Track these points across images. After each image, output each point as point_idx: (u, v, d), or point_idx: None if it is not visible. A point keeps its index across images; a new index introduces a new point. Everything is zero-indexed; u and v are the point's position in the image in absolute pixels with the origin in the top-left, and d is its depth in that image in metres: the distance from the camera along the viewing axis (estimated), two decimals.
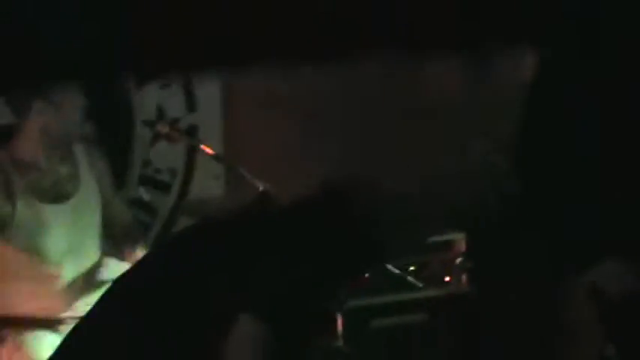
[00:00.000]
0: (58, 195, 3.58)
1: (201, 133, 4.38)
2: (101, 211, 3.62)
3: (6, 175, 3.53)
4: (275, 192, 3.51)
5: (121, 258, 3.63)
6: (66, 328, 3.27)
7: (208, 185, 4.39)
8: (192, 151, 4.27)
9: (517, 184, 3.05)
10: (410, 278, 3.97)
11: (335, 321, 3.65)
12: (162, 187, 4.38)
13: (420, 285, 4.01)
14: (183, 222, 4.36)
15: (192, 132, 4.37)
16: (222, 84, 4.50)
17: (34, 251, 3.52)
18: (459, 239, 4.26)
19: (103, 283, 3.43)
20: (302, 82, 4.49)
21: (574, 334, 3.09)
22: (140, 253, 3.61)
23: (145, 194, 4.36)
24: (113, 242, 3.68)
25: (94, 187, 3.62)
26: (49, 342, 3.37)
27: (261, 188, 3.52)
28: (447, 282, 4.25)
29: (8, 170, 3.55)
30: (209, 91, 4.49)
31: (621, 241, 2.85)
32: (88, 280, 3.52)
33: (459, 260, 4.25)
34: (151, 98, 4.38)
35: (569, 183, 2.91)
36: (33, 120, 3.52)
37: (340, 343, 3.87)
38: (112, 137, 4.11)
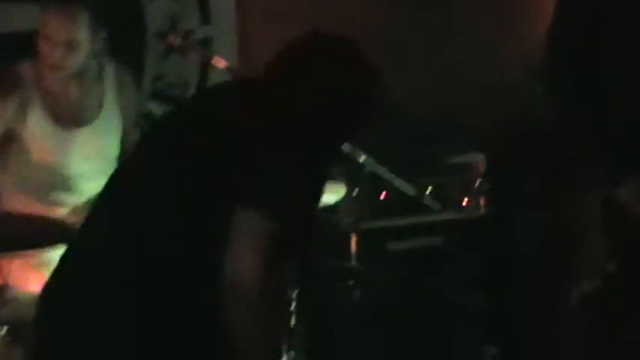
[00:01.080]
0: (76, 120, 3.53)
1: (215, 45, 4.31)
2: (121, 137, 3.58)
3: (24, 91, 3.49)
4: None
5: None
6: None
7: None
8: (206, 65, 4.19)
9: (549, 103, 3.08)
10: (427, 200, 3.91)
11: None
12: (175, 102, 4.32)
13: (438, 207, 3.97)
14: None
15: (205, 44, 4.29)
16: None
17: (49, 172, 3.50)
18: (478, 160, 4.29)
19: None
20: None
21: (583, 244, 3.30)
22: None
23: (156, 109, 4.30)
24: None
25: (117, 113, 3.58)
26: None
27: None
28: (465, 205, 4.27)
29: (28, 85, 3.50)
30: (223, 2, 4.42)
31: None
32: None
33: (477, 182, 4.27)
34: (163, 9, 4.30)
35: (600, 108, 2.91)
36: (45, 53, 3.45)
37: (355, 263, 3.91)
38: (123, 50, 4.02)
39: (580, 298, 3.20)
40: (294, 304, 3.50)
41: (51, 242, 3.18)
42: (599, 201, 2.97)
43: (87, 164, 3.46)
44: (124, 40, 4.07)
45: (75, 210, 3.47)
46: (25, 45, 3.57)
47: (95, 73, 3.56)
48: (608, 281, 3.00)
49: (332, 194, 3.81)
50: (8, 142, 3.51)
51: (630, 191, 2.87)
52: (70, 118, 3.55)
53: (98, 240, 2.38)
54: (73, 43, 3.42)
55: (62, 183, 3.50)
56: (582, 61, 2.93)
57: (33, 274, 3.40)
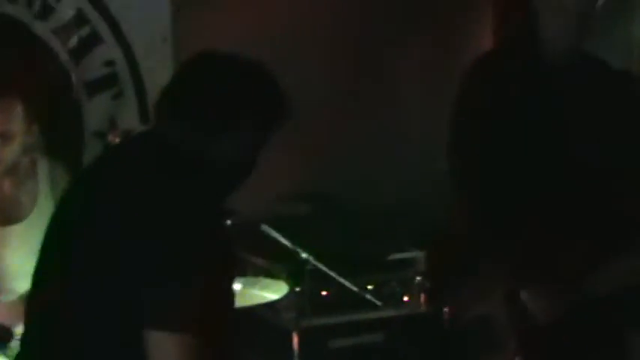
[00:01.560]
0: (8, 216, 3.48)
1: None
2: None
3: None
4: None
5: None
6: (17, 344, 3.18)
7: None
8: None
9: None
10: (368, 297, 3.95)
11: None
12: None
13: (379, 304, 4.00)
14: None
15: None
16: None
17: None
18: (419, 258, 4.30)
19: None
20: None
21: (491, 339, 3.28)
22: None
23: None
24: None
25: (51, 209, 3.52)
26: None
27: None
28: (406, 301, 4.25)
29: None
30: None
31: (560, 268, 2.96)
32: None
33: (417, 279, 4.26)
34: (102, 109, 4.30)
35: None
36: None
37: None
38: (62, 148, 4.01)
39: None
40: None
41: None
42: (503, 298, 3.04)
43: (19, 262, 3.37)
44: (63, 138, 4.08)
45: (7, 308, 3.38)
46: None
47: (28, 169, 3.52)
48: None
49: (273, 292, 3.85)
50: None
51: (532, 295, 2.95)
52: (3, 214, 3.49)
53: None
54: (8, 134, 3.39)
55: None
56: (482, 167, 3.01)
57: None
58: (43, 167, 3.53)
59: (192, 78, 2.29)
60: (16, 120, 3.41)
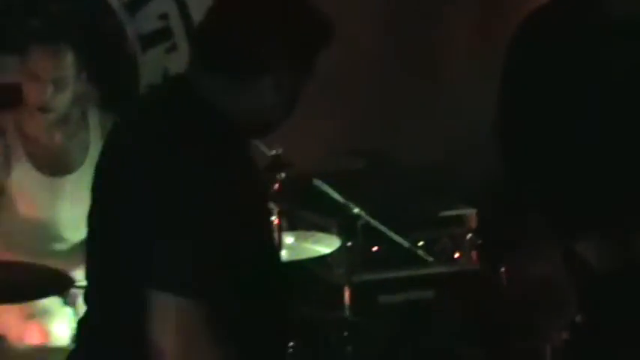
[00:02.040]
0: (61, 167, 3.53)
1: None
2: None
3: (7, 141, 3.49)
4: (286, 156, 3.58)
5: None
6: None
7: None
8: None
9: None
10: (420, 253, 4.01)
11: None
12: None
13: (430, 260, 4.06)
14: None
15: None
16: None
17: (37, 223, 3.48)
18: (470, 215, 4.33)
19: None
20: None
21: (551, 299, 3.32)
22: None
23: None
24: None
25: None
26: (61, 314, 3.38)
27: (273, 152, 3.55)
28: (457, 258, 4.30)
29: (11, 136, 3.50)
30: None
31: (609, 218, 2.91)
32: None
33: (469, 236, 4.30)
34: (156, 62, 4.31)
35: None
36: (33, 94, 3.45)
37: (348, 315, 3.90)
38: (114, 101, 4.04)
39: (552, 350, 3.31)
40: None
41: (44, 292, 3.18)
42: (560, 256, 3.02)
43: (74, 212, 3.40)
44: (116, 90, 4.11)
45: (65, 258, 3.43)
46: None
47: (79, 120, 3.57)
48: (576, 333, 3.05)
49: (325, 246, 3.91)
50: None
51: (588, 246, 2.92)
52: (55, 166, 3.54)
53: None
54: (61, 81, 3.43)
55: (50, 233, 3.49)
56: (532, 124, 2.95)
57: (29, 325, 3.39)
58: (94, 118, 3.57)
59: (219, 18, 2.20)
60: (68, 66, 3.44)
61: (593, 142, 2.89)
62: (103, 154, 2.29)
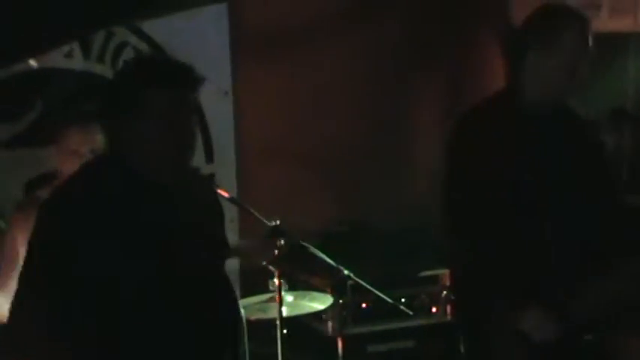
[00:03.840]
0: None
1: (218, 180, 4.64)
2: None
3: None
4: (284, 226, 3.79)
5: None
6: None
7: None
8: None
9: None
10: (402, 308, 4.23)
11: None
12: None
13: (411, 314, 4.30)
14: None
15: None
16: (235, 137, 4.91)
17: None
18: (445, 274, 4.62)
19: None
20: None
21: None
22: None
23: None
24: None
25: None
26: None
27: (272, 224, 3.77)
28: (434, 312, 4.63)
29: None
30: (224, 144, 4.89)
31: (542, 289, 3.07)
32: None
33: (444, 293, 4.62)
34: None
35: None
36: (63, 143, 3.72)
37: None
38: None
39: None
40: None
41: None
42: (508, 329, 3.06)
43: None
44: None
45: None
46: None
47: None
48: None
49: (320, 303, 4.14)
50: None
51: (526, 319, 3.01)
52: None
53: None
54: (95, 152, 3.58)
55: None
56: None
57: None
58: None
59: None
60: (100, 140, 3.42)
61: (526, 215, 3.04)
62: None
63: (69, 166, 3.64)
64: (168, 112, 2.48)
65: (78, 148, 3.70)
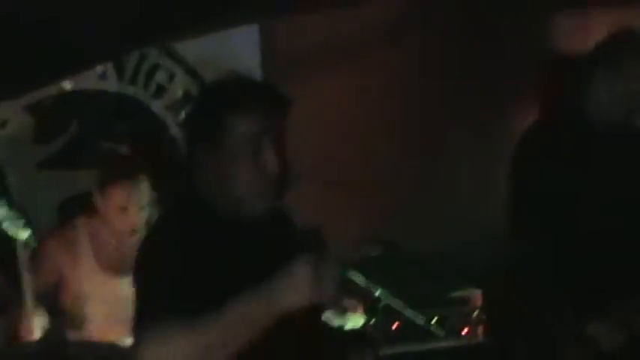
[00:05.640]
0: (120, 269, 3.72)
1: None
2: None
3: (78, 242, 3.77)
4: None
5: None
6: None
7: None
8: None
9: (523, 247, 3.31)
10: (433, 329, 4.16)
11: None
12: None
13: (442, 335, 4.22)
14: None
15: None
16: None
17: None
18: (476, 294, 4.64)
19: None
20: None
21: None
22: None
23: None
24: None
25: None
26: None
27: None
28: (465, 334, 4.62)
29: (82, 237, 3.77)
30: None
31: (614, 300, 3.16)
32: None
33: (475, 313, 4.63)
34: None
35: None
36: (110, 199, 3.70)
37: None
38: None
39: None
40: None
41: None
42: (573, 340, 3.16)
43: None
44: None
45: None
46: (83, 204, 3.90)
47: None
48: None
49: (352, 323, 4.12)
50: (60, 288, 3.76)
51: (596, 328, 3.11)
52: (117, 267, 3.75)
53: None
54: (144, 205, 3.73)
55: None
56: (545, 209, 3.15)
57: None
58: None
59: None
60: (147, 193, 3.73)
61: (594, 229, 3.12)
62: None
63: (120, 223, 3.71)
64: (254, 138, 2.22)
65: (126, 205, 3.68)
